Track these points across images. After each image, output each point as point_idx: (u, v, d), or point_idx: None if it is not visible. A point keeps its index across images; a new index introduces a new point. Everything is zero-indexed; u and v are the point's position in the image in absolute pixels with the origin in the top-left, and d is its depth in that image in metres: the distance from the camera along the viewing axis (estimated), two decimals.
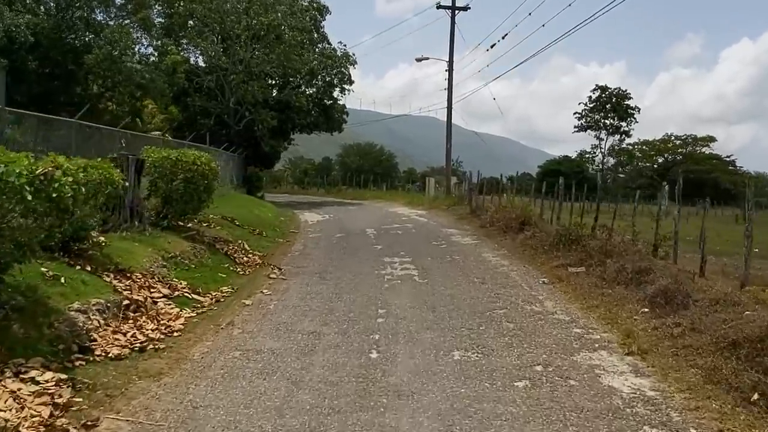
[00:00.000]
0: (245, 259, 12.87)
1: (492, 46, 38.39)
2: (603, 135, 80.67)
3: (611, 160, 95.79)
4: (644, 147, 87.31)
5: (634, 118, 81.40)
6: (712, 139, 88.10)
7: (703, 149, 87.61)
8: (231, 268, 11.44)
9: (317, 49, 36.41)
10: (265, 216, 22.10)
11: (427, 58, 33.63)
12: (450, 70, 32.64)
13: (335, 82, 37.38)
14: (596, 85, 78.58)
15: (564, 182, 20.83)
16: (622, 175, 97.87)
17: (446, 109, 33.58)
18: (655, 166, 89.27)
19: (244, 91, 32.49)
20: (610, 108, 76.56)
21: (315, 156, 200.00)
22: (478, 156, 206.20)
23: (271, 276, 11.09)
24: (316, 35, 37.35)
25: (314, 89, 37.09)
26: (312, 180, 65.51)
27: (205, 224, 15.22)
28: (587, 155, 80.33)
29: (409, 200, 35.24)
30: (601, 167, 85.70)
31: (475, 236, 18.09)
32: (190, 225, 13.87)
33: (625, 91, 78.71)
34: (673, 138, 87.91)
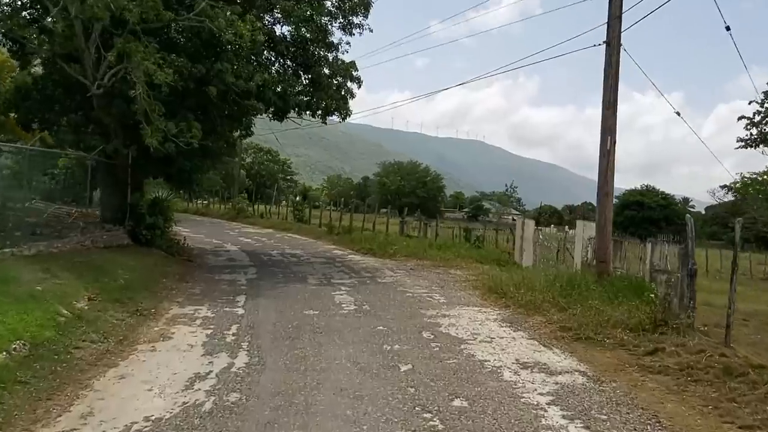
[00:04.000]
0: None
1: None
2: None
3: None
4: None
5: None
6: None
7: None
8: None
9: None
10: None
11: None
12: None
13: (331, 3, 17.46)
14: None
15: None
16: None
17: (605, 47, 13.12)
18: None
19: None
20: None
21: (359, 174, 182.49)
22: (523, 182, 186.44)
23: None
24: None
25: (289, 24, 17.16)
26: (340, 203, 45.60)
27: None
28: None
29: (490, 277, 14.66)
30: None
31: None
32: None
33: None
34: None
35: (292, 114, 19.27)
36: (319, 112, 18.78)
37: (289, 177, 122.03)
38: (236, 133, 22.45)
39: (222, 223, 39.61)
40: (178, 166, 16.68)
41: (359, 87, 19.34)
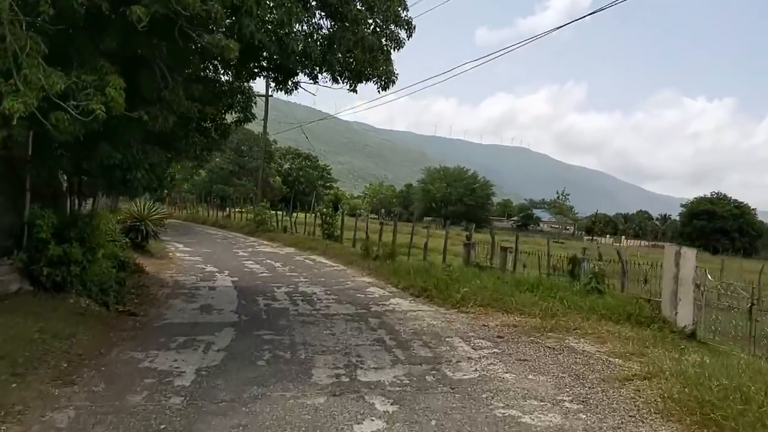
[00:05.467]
0: None
1: None
2: None
3: None
4: None
5: None
6: None
7: None
8: None
9: None
10: None
11: None
12: None
13: None
14: None
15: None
16: None
17: None
18: None
19: None
20: None
21: (402, 182, 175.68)
22: (569, 189, 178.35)
23: None
24: None
25: None
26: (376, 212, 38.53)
27: None
28: None
29: (681, 375, 7.22)
30: None
31: None
32: None
33: None
34: None
35: (302, 78, 12.21)
36: (345, 73, 11.61)
37: (329, 184, 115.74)
38: (230, 117, 15.51)
39: (237, 238, 32.80)
40: (99, 158, 9.71)
41: (410, 36, 12.13)
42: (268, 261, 21.53)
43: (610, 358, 8.76)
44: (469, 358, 8.75)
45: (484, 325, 10.96)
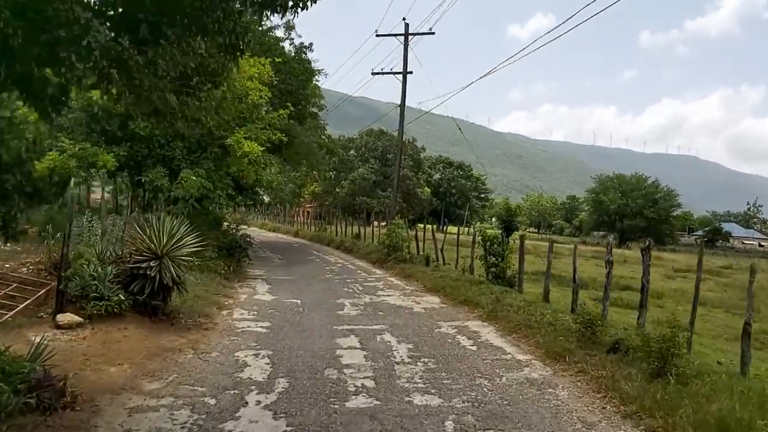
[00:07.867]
0: None
1: None
2: None
3: None
4: None
5: None
6: None
7: None
8: None
9: None
10: None
11: None
12: None
13: None
14: None
15: None
16: None
17: None
18: None
19: None
20: None
21: (557, 193, 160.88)
22: (741, 199, 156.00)
23: None
24: None
25: None
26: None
27: None
28: None
29: None
30: None
31: None
32: None
33: None
34: None
35: None
36: None
37: (483, 195, 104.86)
38: None
39: (358, 272, 22.75)
40: None
41: None
42: (387, 337, 11.20)
43: None
44: None
45: None
